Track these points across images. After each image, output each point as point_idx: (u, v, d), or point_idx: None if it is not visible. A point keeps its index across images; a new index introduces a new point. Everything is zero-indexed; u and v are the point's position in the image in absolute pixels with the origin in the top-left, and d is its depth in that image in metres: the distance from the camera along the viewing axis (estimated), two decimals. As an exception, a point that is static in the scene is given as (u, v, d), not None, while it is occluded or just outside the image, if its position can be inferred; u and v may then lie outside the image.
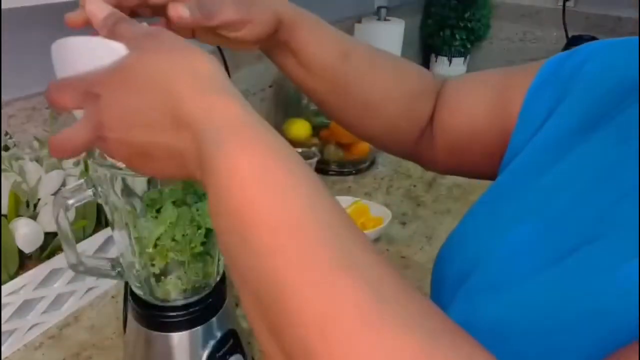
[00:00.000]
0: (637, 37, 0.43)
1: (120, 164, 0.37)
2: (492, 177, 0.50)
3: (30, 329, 0.68)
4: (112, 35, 0.35)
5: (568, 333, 0.29)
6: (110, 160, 0.36)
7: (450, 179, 1.14)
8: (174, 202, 0.49)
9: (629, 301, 0.28)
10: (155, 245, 0.50)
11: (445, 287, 0.42)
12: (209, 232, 0.51)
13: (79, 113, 0.34)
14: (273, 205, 0.26)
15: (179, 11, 0.42)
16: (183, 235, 0.49)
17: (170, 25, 0.44)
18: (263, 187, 0.27)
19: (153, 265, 0.51)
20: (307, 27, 0.51)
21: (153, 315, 0.53)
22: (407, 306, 0.24)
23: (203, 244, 0.51)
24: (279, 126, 1.21)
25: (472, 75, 0.57)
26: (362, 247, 0.26)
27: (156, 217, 0.48)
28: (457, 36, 1.71)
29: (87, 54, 0.35)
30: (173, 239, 0.49)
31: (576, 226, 0.34)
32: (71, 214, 0.67)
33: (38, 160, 0.69)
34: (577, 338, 0.29)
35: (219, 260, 0.54)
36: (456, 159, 0.56)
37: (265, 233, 0.26)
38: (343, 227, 0.26)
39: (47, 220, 0.65)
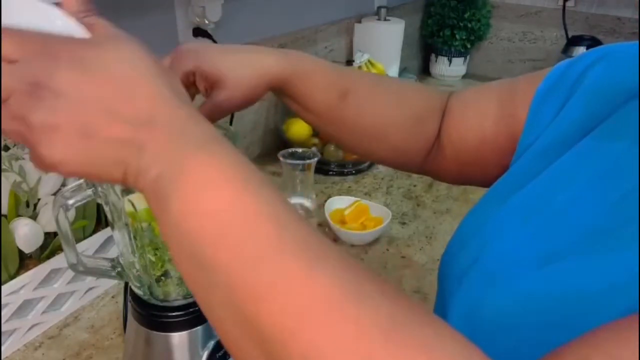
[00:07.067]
0: None
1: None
2: None
3: (30, 329, 0.68)
4: (80, 19, 0.33)
5: (566, 327, 0.30)
6: None
7: (450, 179, 1.14)
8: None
9: (627, 296, 0.28)
10: (155, 254, 0.50)
11: (449, 281, 0.43)
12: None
13: None
14: (255, 201, 0.28)
15: None
16: None
17: None
18: (245, 183, 0.28)
19: (153, 263, 0.51)
20: (300, 78, 0.53)
21: (153, 315, 0.53)
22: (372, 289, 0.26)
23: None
24: (279, 126, 1.21)
25: (478, 87, 0.57)
26: (328, 246, 0.28)
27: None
28: (457, 36, 1.71)
29: (43, 20, 0.31)
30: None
31: (574, 226, 0.35)
32: (71, 214, 0.67)
33: (38, 160, 0.69)
34: (573, 332, 0.29)
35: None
36: (468, 170, 0.56)
37: (250, 223, 0.27)
38: (296, 219, 0.28)
39: (47, 220, 0.65)
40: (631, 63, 0.42)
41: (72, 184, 0.48)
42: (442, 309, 0.40)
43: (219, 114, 0.49)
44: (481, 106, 0.54)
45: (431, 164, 0.59)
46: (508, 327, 0.33)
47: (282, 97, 0.55)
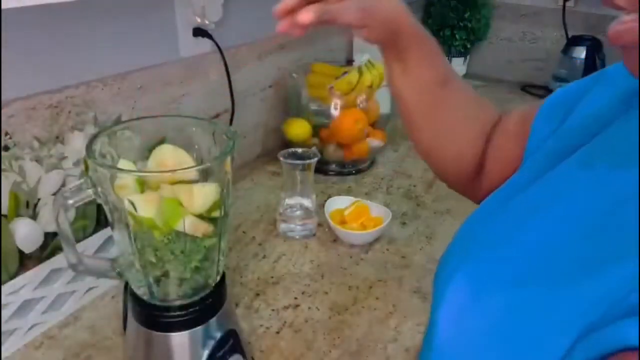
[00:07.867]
0: None
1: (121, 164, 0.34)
2: None
3: (30, 329, 0.68)
4: None
5: (559, 345, 0.30)
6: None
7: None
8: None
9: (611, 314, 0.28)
10: (155, 254, 0.50)
11: (439, 285, 0.43)
12: (209, 250, 0.52)
13: None
14: None
15: (304, 17, 0.47)
16: (182, 251, 0.50)
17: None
18: None
19: (153, 264, 0.51)
20: (422, 47, 0.53)
21: (153, 315, 0.53)
22: None
23: (202, 259, 0.51)
24: (279, 126, 1.21)
25: (513, 110, 0.58)
26: None
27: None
28: (457, 36, 1.71)
29: None
30: (172, 253, 0.50)
31: (544, 253, 0.35)
32: (71, 214, 0.67)
33: (38, 160, 0.69)
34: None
35: (219, 261, 0.54)
36: None
37: None
38: None
39: (47, 220, 0.65)
40: (610, 89, 0.43)
41: (72, 184, 0.48)
42: (434, 313, 0.40)
43: (323, 13, 0.46)
44: (509, 129, 0.55)
45: (476, 185, 0.59)
46: (504, 337, 0.33)
47: (392, 55, 0.54)
